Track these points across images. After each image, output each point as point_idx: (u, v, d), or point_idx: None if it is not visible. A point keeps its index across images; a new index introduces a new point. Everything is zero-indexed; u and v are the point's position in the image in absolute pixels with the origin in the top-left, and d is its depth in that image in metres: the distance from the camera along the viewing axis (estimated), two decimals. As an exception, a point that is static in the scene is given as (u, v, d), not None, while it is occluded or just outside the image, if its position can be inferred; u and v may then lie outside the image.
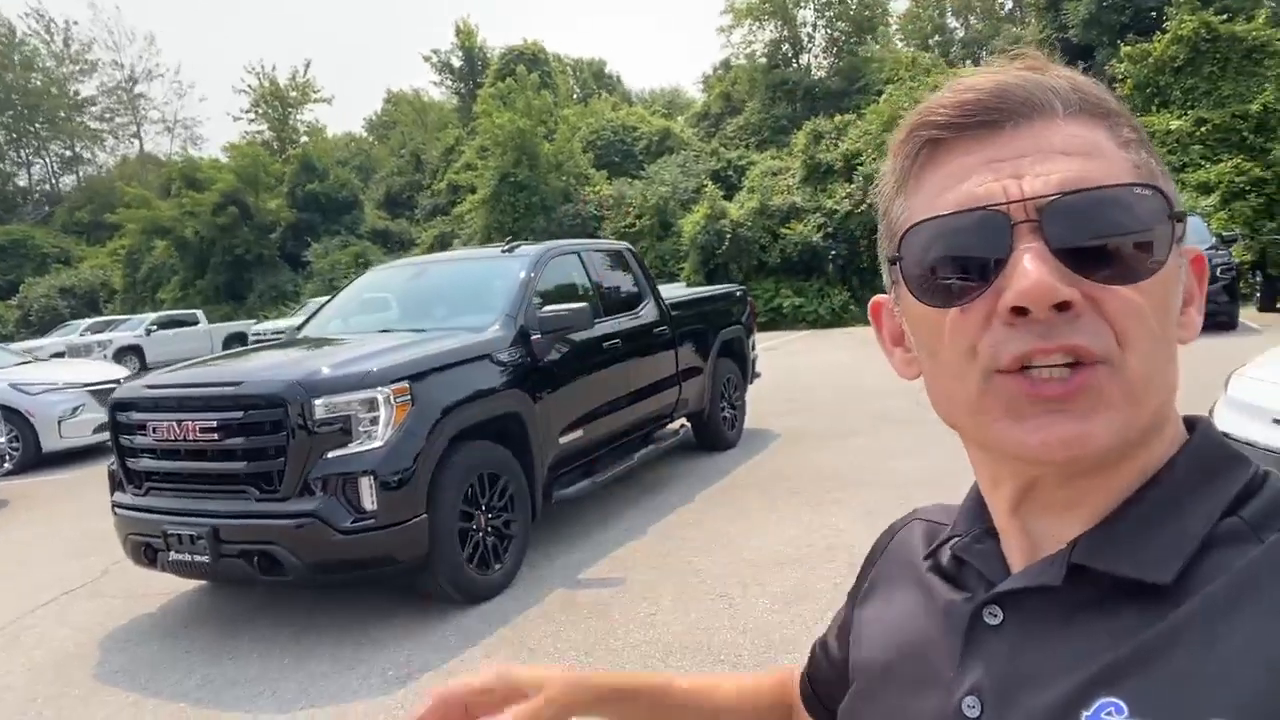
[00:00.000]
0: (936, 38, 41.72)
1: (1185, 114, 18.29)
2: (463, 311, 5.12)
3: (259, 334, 21.00)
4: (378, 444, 3.84)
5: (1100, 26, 23.41)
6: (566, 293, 5.61)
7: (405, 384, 3.97)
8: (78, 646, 4.21)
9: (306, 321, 5.84)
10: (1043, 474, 0.56)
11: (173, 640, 4.16)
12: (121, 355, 20.64)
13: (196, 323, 24.08)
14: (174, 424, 3.92)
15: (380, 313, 5.62)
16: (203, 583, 4.75)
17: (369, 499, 3.77)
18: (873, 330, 0.70)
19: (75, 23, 67.59)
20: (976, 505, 0.67)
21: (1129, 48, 19.85)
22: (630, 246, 6.73)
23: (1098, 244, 0.52)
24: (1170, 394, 0.56)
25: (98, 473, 8.82)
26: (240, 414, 3.83)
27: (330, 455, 3.80)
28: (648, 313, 6.27)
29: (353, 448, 3.82)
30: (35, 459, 9.16)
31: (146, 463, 4.10)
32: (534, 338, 4.87)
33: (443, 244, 27.18)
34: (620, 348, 5.70)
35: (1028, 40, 27.01)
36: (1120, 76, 19.93)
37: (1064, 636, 0.55)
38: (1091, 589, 0.54)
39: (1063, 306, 0.51)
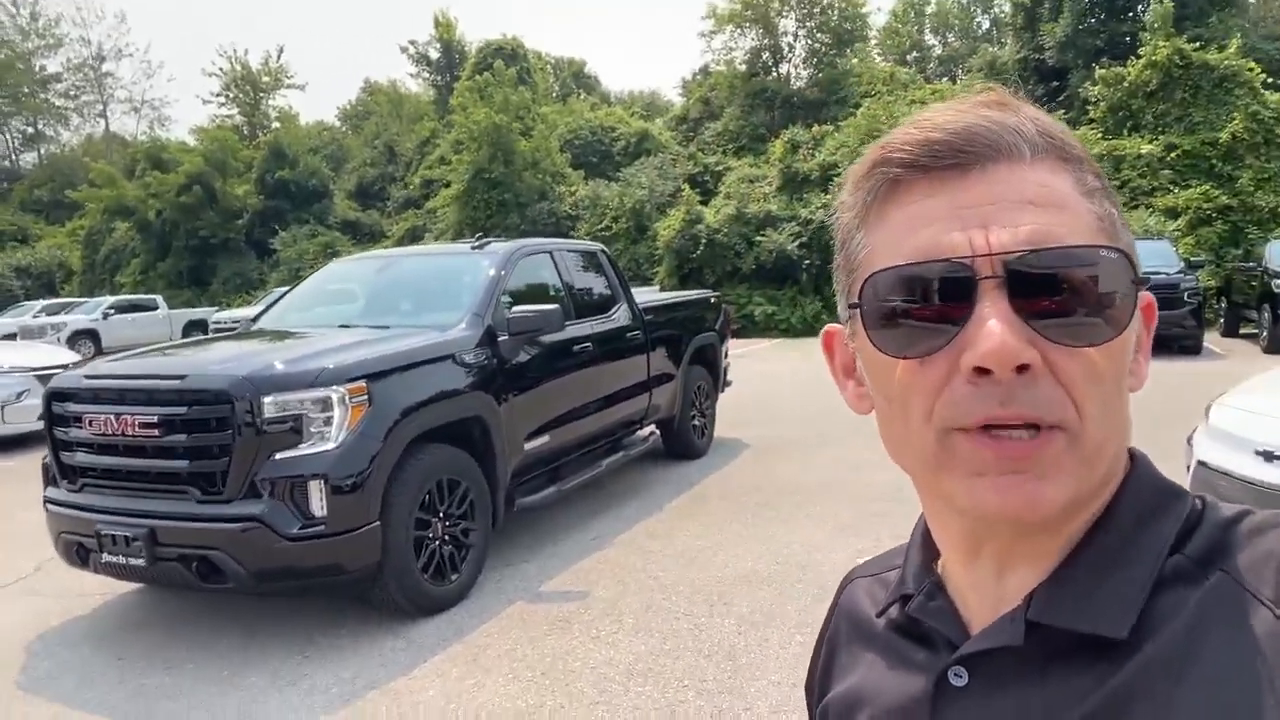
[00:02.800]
0: (914, 54, 42.04)
1: (1156, 139, 18.49)
2: (428, 308, 4.92)
3: (219, 322, 20.53)
4: (330, 446, 3.63)
5: (1075, 49, 23.67)
6: (537, 293, 5.43)
7: (362, 383, 3.77)
8: (4, 649, 3.95)
9: (263, 312, 5.59)
10: (996, 528, 0.57)
11: (106, 645, 3.91)
12: (76, 339, 20.05)
13: (156, 308, 23.49)
14: (112, 418, 3.68)
15: (342, 306, 5.39)
16: (142, 585, 4.50)
17: (318, 504, 3.56)
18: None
19: (43, -4, 65.75)
20: (921, 556, 0.67)
21: (1103, 71, 20.07)
22: (604, 248, 6.56)
23: (1062, 306, 0.52)
24: (1122, 445, 0.57)
25: (40, 461, 8.48)
26: (184, 409, 3.60)
27: (279, 456, 3.58)
28: (620, 316, 6.11)
29: (303, 449, 3.61)
30: (-25, 445, 8.77)
31: (82, 457, 3.85)
32: (501, 339, 4.68)
33: (414, 237, 26.81)
34: (591, 351, 5.54)
35: (1003, 60, 27.34)
36: (1094, 99, 20.17)
37: (1030, 695, 0.55)
38: (1052, 644, 0.55)
39: (1022, 368, 0.51)
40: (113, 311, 22.21)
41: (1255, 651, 0.49)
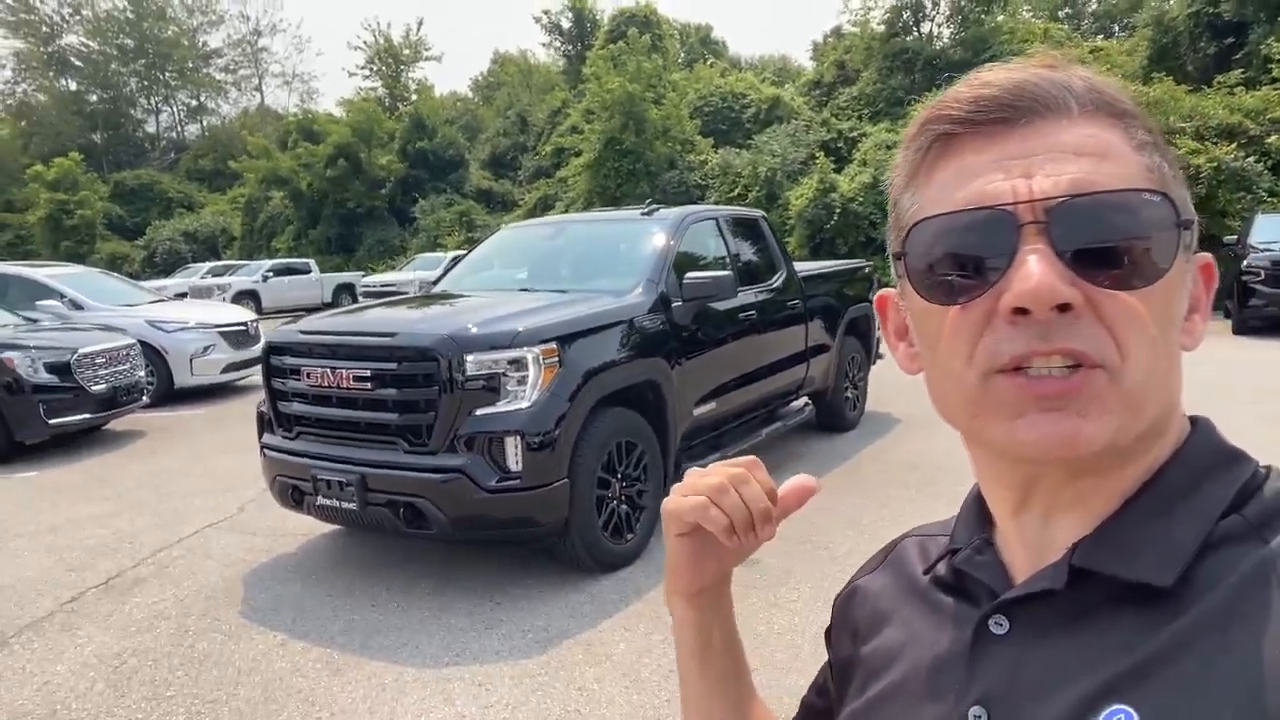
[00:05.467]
0: (1066, 10, 39.36)
1: (1354, 99, 16.71)
2: (602, 274, 5.02)
3: (367, 286, 21.58)
4: (525, 404, 3.78)
5: (1256, 2, 21.55)
6: (704, 259, 5.45)
7: (554, 345, 3.89)
8: (224, 581, 4.34)
9: (442, 276, 5.84)
10: (1042, 474, 0.57)
11: (315, 582, 4.24)
12: (239, 298, 21.53)
13: (309, 271, 24.95)
14: (327, 371, 3.94)
15: (517, 271, 5.56)
16: (337, 527, 4.84)
17: (514, 459, 3.72)
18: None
19: (205, -25, 70.31)
20: (974, 514, 0.67)
21: (1292, 25, 18.22)
22: (765, 214, 6.50)
23: (1102, 248, 0.52)
24: (1171, 400, 0.56)
25: (226, 410, 9.23)
26: (394, 365, 3.82)
27: (478, 413, 3.76)
28: (781, 284, 6.06)
29: (500, 406, 3.77)
30: (168, 393, 9.59)
31: (298, 407, 4.15)
32: (674, 304, 4.73)
33: (545, 206, 27.31)
34: (755, 319, 5.52)
35: (1172, 15, 25.19)
36: (1277, 57, 18.38)
37: (1071, 643, 0.54)
38: (1096, 593, 0.54)
39: (1064, 308, 0.51)
40: (271, 274, 23.73)
41: None
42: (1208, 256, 0.60)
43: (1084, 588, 0.55)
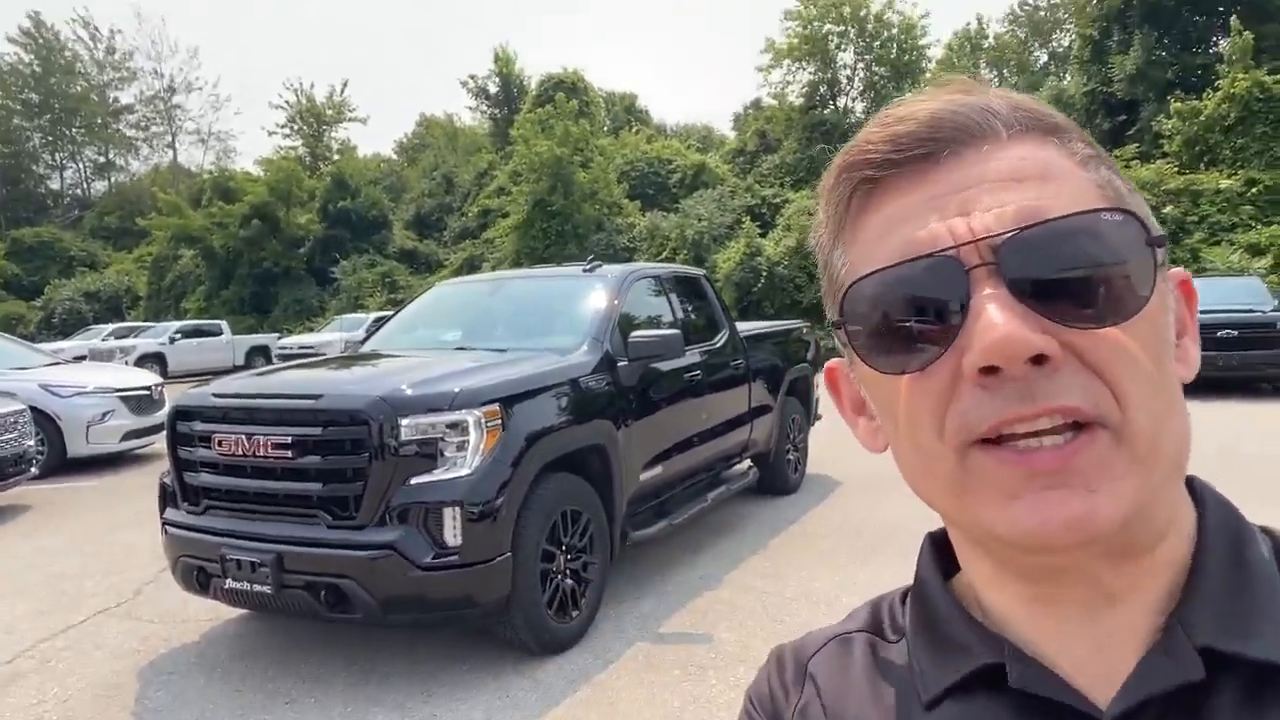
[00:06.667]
0: (970, 88, 41.68)
1: (1235, 173, 17.98)
2: (544, 332, 4.77)
3: (285, 348, 20.76)
4: (465, 472, 3.47)
5: (1146, 82, 23.15)
6: (646, 318, 5.27)
7: (496, 407, 3.61)
8: (115, 675, 3.82)
9: (369, 335, 5.50)
10: (1066, 563, 0.47)
11: (220, 675, 3.76)
12: (144, 362, 20.37)
13: (220, 333, 23.86)
14: (242, 437, 3.55)
15: (452, 329, 5.26)
16: (244, 610, 4.37)
17: (452, 533, 3.38)
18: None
19: (119, 31, 68.94)
20: (960, 612, 0.54)
21: (1179, 104, 19.62)
22: (706, 273, 6.39)
23: (1068, 283, 0.45)
24: (1182, 439, 0.48)
25: (123, 481, 8.53)
26: (318, 430, 3.46)
27: (413, 482, 3.42)
28: (724, 344, 5.92)
29: (438, 474, 3.44)
30: (60, 464, 8.82)
31: (207, 478, 3.73)
32: (620, 364, 4.51)
33: (471, 267, 27.06)
34: (700, 379, 5.34)
35: (1070, 94, 26.89)
36: (1168, 133, 19.72)
37: None
38: (1230, 684, 0.44)
39: (1039, 360, 0.43)
40: (179, 336, 22.59)
41: None
42: (1184, 272, 0.52)
43: (1214, 678, 0.44)
